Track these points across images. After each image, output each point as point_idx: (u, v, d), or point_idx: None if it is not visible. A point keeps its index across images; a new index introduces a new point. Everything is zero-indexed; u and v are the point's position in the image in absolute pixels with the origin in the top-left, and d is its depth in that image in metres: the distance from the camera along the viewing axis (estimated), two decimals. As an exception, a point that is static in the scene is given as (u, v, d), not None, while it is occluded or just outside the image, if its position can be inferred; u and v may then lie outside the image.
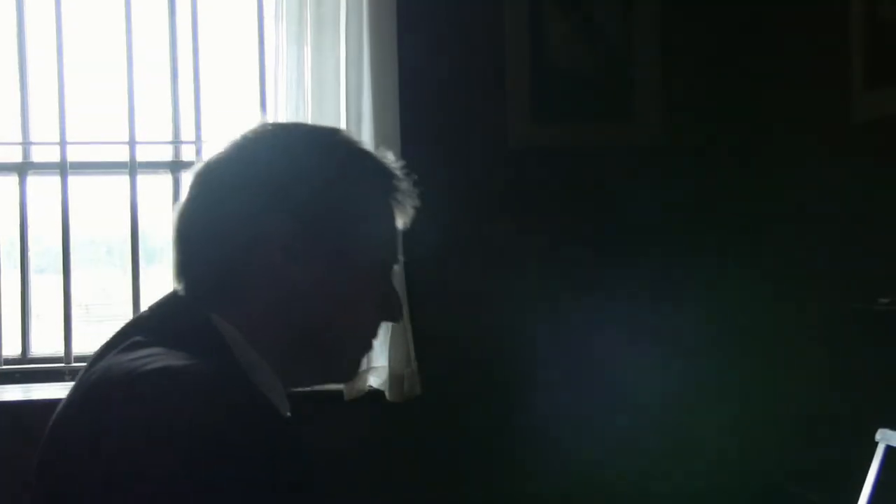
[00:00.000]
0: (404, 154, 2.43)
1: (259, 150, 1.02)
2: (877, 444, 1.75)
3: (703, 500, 2.43)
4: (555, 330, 2.50)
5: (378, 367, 2.44)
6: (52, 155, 2.54)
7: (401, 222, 1.08)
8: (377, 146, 2.39)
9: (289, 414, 1.03)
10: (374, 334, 1.07)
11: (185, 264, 1.01)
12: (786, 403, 2.45)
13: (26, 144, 2.55)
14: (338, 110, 2.45)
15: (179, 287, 1.01)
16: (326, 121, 2.44)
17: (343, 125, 2.43)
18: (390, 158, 1.07)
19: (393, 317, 1.07)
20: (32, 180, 2.55)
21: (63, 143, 2.50)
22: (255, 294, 0.98)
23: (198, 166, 1.04)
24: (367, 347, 1.07)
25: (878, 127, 2.09)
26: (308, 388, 1.05)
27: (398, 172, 1.07)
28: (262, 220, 0.98)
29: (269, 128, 1.05)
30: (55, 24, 2.51)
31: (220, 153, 1.03)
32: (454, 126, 2.54)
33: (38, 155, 2.57)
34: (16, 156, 2.55)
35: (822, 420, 2.31)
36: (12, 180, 2.53)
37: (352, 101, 2.43)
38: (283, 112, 2.45)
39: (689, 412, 2.53)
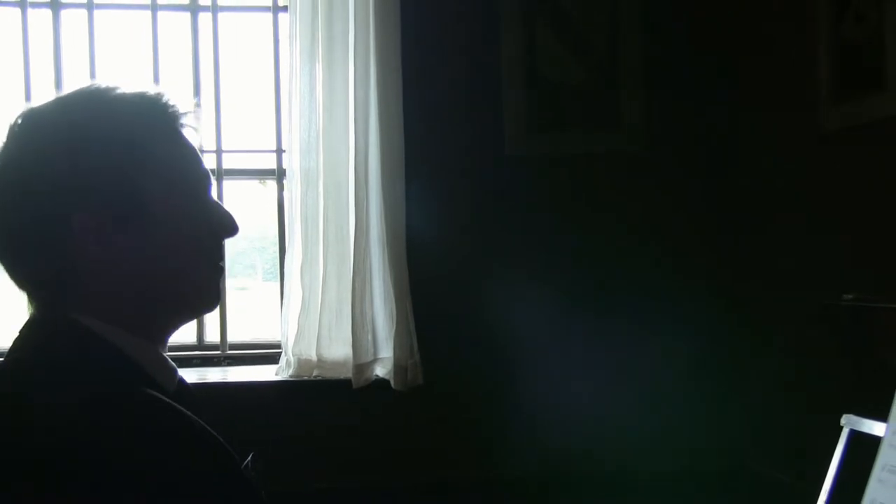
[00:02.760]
0: (408, 160, 2.48)
1: (25, 150, 0.93)
2: (842, 428, 1.76)
3: (682, 479, 2.44)
4: (547, 326, 2.52)
5: (384, 358, 2.46)
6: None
7: (191, 140, 1.00)
8: (383, 153, 2.41)
9: (179, 376, 0.99)
10: (219, 257, 1.02)
11: (15, 279, 0.96)
12: (759, 392, 2.46)
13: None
14: (347, 121, 2.47)
15: (29, 301, 0.96)
16: (336, 130, 2.46)
17: (352, 135, 2.45)
18: (150, 90, 0.98)
19: (230, 231, 1.01)
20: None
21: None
22: (93, 283, 0.93)
23: None
24: (220, 271, 1.02)
25: (844, 136, 2.10)
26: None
27: (162, 99, 0.98)
28: (61, 219, 0.91)
29: (22, 123, 0.95)
30: (88, 44, 2.54)
31: None
32: (454, 134, 2.56)
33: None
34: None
35: (792, 407, 2.32)
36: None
37: (360, 113, 2.44)
38: (296, 122, 2.47)
39: (666, 399, 2.55)
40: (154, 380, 0.93)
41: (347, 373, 2.44)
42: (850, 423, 1.56)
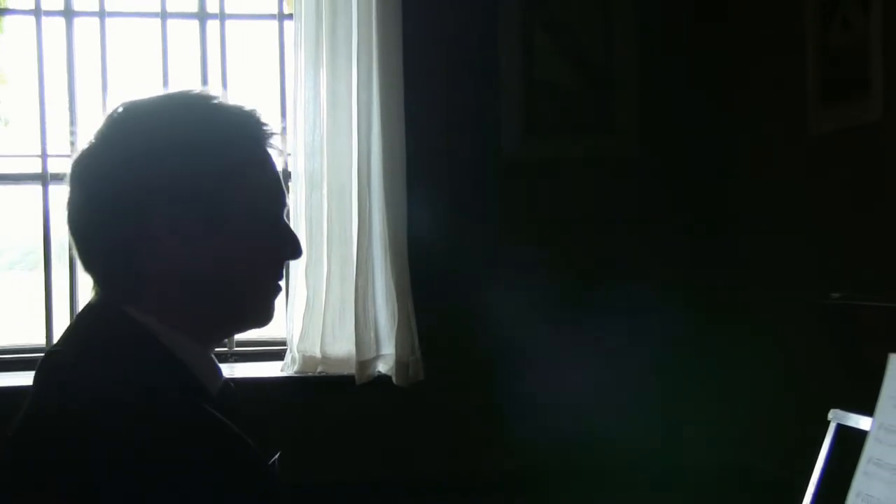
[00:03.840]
0: (409, 163, 2.49)
1: (122, 140, 0.93)
2: (829, 422, 1.77)
3: (678, 476, 2.44)
4: (543, 324, 2.52)
5: (386, 354, 2.47)
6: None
7: (277, 164, 1.00)
8: (385, 156, 2.42)
9: (224, 378, 0.99)
10: (279, 276, 1.02)
11: (85, 262, 0.96)
12: (750, 388, 2.47)
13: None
14: (350, 126, 2.47)
15: (93, 286, 0.96)
16: (340, 134, 2.46)
17: (355, 139, 2.45)
18: (247, 105, 0.98)
19: (293, 255, 1.02)
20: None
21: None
22: (156, 283, 0.92)
23: (72, 161, 0.96)
24: (277, 289, 1.01)
25: (832, 138, 2.11)
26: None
27: (258, 116, 0.98)
28: (143, 214, 0.91)
29: (122, 113, 0.95)
30: (100, 50, 2.55)
31: (88, 146, 0.95)
32: (454, 138, 2.57)
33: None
34: (65, 167, 2.57)
35: (780, 402, 2.32)
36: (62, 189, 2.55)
37: (362, 117, 2.45)
38: (301, 126, 2.48)
39: (663, 398, 2.56)
40: (199, 381, 0.93)
41: (351, 369, 2.45)
42: (837, 417, 1.56)
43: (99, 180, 0.93)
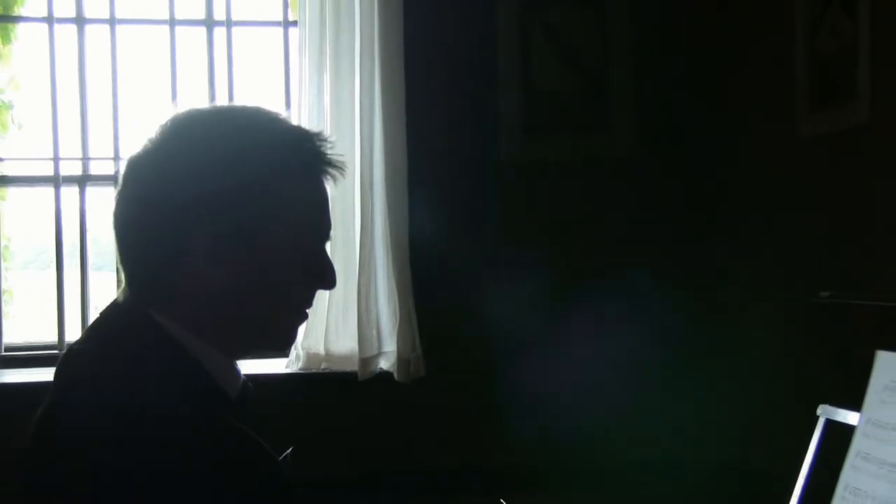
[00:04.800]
0: (410, 166, 2.49)
1: (177, 151, 0.92)
2: (818, 417, 1.77)
3: (672, 471, 2.44)
4: (541, 322, 2.53)
5: (388, 352, 2.48)
6: (108, 168, 2.59)
7: (328, 186, 0.97)
8: (387, 159, 2.42)
9: (242, 379, 0.98)
10: (308, 305, 0.99)
11: (122, 261, 0.95)
12: (742, 384, 2.47)
13: (85, 160, 2.58)
14: (353, 129, 2.48)
15: (122, 285, 0.95)
16: (343, 138, 2.47)
17: (357, 142, 2.46)
18: (309, 127, 0.95)
19: (327, 286, 0.98)
20: (91, 191, 2.58)
21: (116, 159, 2.55)
22: (186, 293, 0.91)
23: (127, 161, 0.94)
24: (303, 317, 0.99)
25: (821, 141, 2.11)
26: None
27: (313, 137, 0.95)
28: (186, 226, 0.90)
29: (182, 122, 0.93)
30: (110, 56, 2.55)
31: (144, 149, 0.94)
32: (453, 141, 2.58)
33: (95, 168, 2.60)
34: (76, 169, 2.59)
35: (772, 399, 2.32)
36: (73, 190, 2.57)
37: (365, 120, 2.46)
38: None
39: (659, 396, 2.56)
40: (217, 385, 0.92)
41: (353, 366, 2.45)
42: (826, 412, 1.57)
43: (149, 186, 0.92)
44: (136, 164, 0.93)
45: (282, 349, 1.01)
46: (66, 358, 0.93)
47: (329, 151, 0.96)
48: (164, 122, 0.93)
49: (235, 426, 0.85)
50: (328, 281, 0.98)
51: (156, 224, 0.91)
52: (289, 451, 0.94)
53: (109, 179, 2.56)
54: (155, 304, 0.91)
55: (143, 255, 0.92)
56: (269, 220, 0.92)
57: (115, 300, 0.96)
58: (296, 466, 0.97)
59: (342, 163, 0.97)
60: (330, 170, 0.97)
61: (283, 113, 0.96)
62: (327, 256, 0.99)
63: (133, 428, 0.80)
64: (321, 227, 0.98)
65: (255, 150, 0.91)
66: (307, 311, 0.99)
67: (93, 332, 0.95)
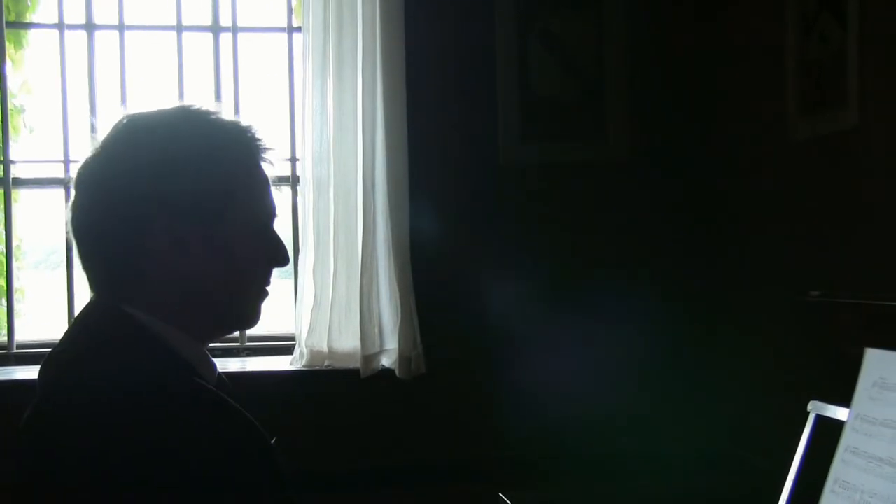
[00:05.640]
0: (410, 169, 2.50)
1: (126, 151, 0.95)
2: (808, 413, 1.78)
3: (666, 465, 2.45)
4: (538, 321, 2.54)
5: (389, 349, 2.48)
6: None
7: (267, 174, 1.02)
8: (388, 162, 2.43)
9: (218, 371, 1.01)
10: (268, 283, 1.03)
11: (85, 263, 0.97)
12: (734, 382, 2.47)
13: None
14: (356, 132, 2.48)
15: (90, 286, 0.97)
16: (346, 141, 2.48)
17: (360, 146, 2.46)
18: (242, 121, 1.00)
19: (281, 262, 1.03)
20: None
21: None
22: (153, 280, 0.94)
23: (78, 167, 0.97)
24: (264, 294, 1.03)
25: (812, 145, 2.12)
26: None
27: (251, 128, 1.00)
28: (143, 222, 0.92)
29: (127, 124, 0.97)
30: (119, 62, 2.56)
31: (92, 154, 0.97)
32: (453, 145, 2.58)
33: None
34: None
35: (763, 395, 2.33)
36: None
37: (367, 124, 2.46)
38: (309, 133, 2.49)
39: (655, 392, 2.57)
40: (197, 372, 0.95)
41: (356, 363, 2.46)
42: (816, 408, 1.58)
43: (103, 188, 0.94)
44: (87, 169, 0.96)
45: (250, 324, 1.06)
46: (47, 362, 0.95)
47: (263, 138, 1.01)
48: (109, 128, 0.97)
49: (228, 399, 0.88)
50: (283, 258, 1.02)
51: (115, 223, 0.93)
52: (273, 439, 0.96)
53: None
54: (126, 300, 0.94)
55: (107, 254, 0.95)
56: (223, 207, 0.95)
57: (89, 302, 0.98)
58: (291, 459, 0.98)
59: (273, 150, 1.03)
60: (266, 156, 1.02)
61: (218, 108, 1.01)
62: (277, 235, 1.04)
63: (125, 416, 0.81)
64: (269, 208, 1.02)
65: (202, 144, 0.96)
66: (268, 288, 1.04)
67: (72, 335, 0.97)
